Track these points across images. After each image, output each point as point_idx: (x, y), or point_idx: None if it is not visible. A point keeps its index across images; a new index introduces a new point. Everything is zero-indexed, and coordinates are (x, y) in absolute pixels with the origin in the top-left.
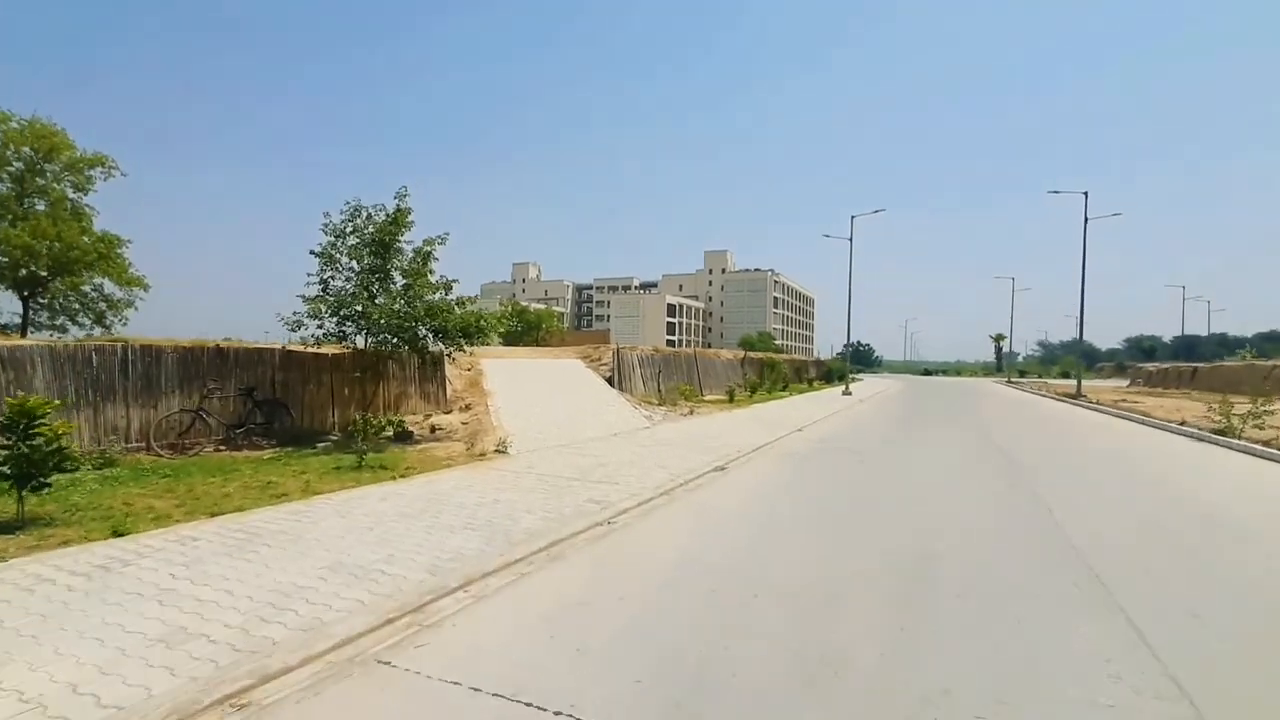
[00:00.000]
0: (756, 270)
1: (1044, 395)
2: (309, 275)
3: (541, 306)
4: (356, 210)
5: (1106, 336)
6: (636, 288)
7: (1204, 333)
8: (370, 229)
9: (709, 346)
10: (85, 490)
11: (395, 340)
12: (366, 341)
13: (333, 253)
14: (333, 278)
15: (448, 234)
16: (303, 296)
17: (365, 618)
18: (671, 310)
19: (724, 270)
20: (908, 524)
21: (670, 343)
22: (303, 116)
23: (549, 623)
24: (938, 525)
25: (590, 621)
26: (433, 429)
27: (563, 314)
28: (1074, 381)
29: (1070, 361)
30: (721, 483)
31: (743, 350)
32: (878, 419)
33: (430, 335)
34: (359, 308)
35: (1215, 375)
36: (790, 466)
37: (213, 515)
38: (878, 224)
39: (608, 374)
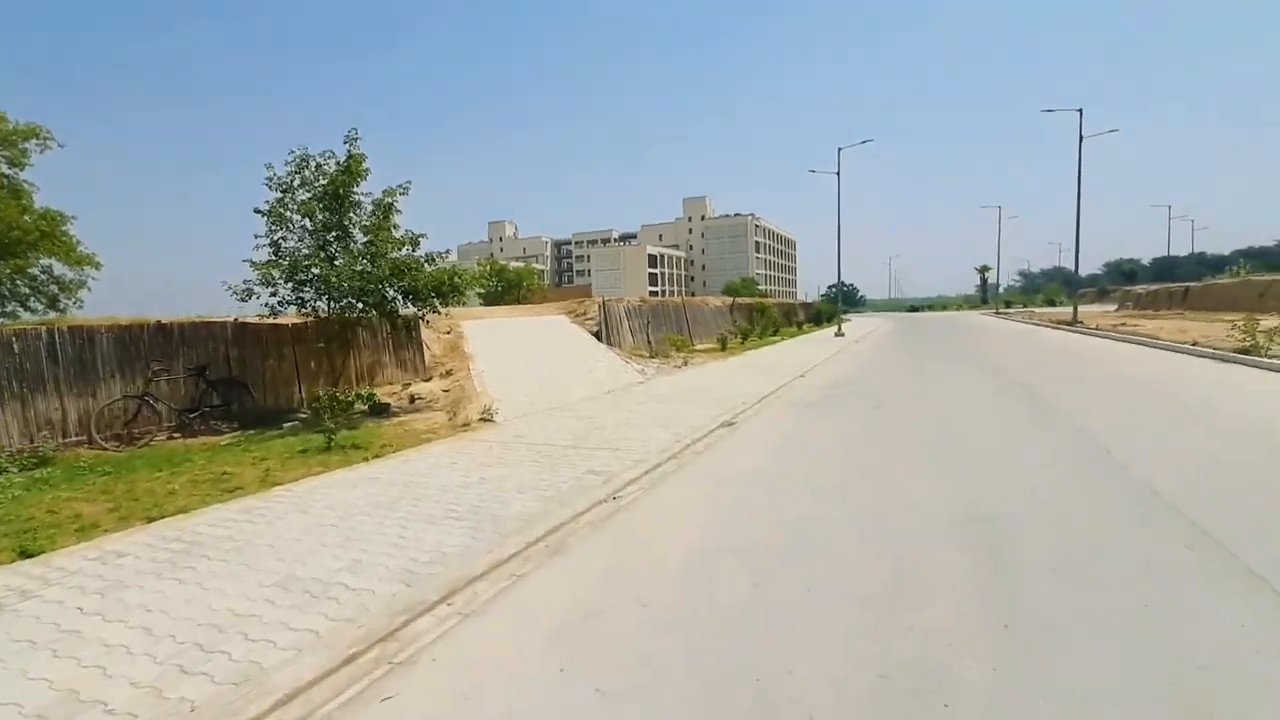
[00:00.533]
0: (737, 215)
1: (1038, 324)
2: (257, 237)
3: (520, 265)
4: (304, 160)
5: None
6: (616, 240)
7: (1183, 253)
8: (322, 181)
9: (692, 295)
10: (6, 498)
11: (361, 305)
12: (330, 308)
13: (282, 210)
14: (284, 239)
15: (409, 183)
16: (251, 262)
17: (319, 657)
18: (653, 261)
19: (704, 217)
20: (958, 482)
21: (653, 293)
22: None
23: (555, 648)
24: (991, 480)
25: (608, 643)
26: (412, 399)
27: (543, 271)
28: (1060, 309)
29: (1054, 289)
30: (732, 441)
31: (730, 297)
32: (880, 360)
33: (400, 297)
34: (316, 270)
35: (1208, 294)
36: (804, 418)
37: (150, 520)
38: (861, 161)
39: (594, 329)
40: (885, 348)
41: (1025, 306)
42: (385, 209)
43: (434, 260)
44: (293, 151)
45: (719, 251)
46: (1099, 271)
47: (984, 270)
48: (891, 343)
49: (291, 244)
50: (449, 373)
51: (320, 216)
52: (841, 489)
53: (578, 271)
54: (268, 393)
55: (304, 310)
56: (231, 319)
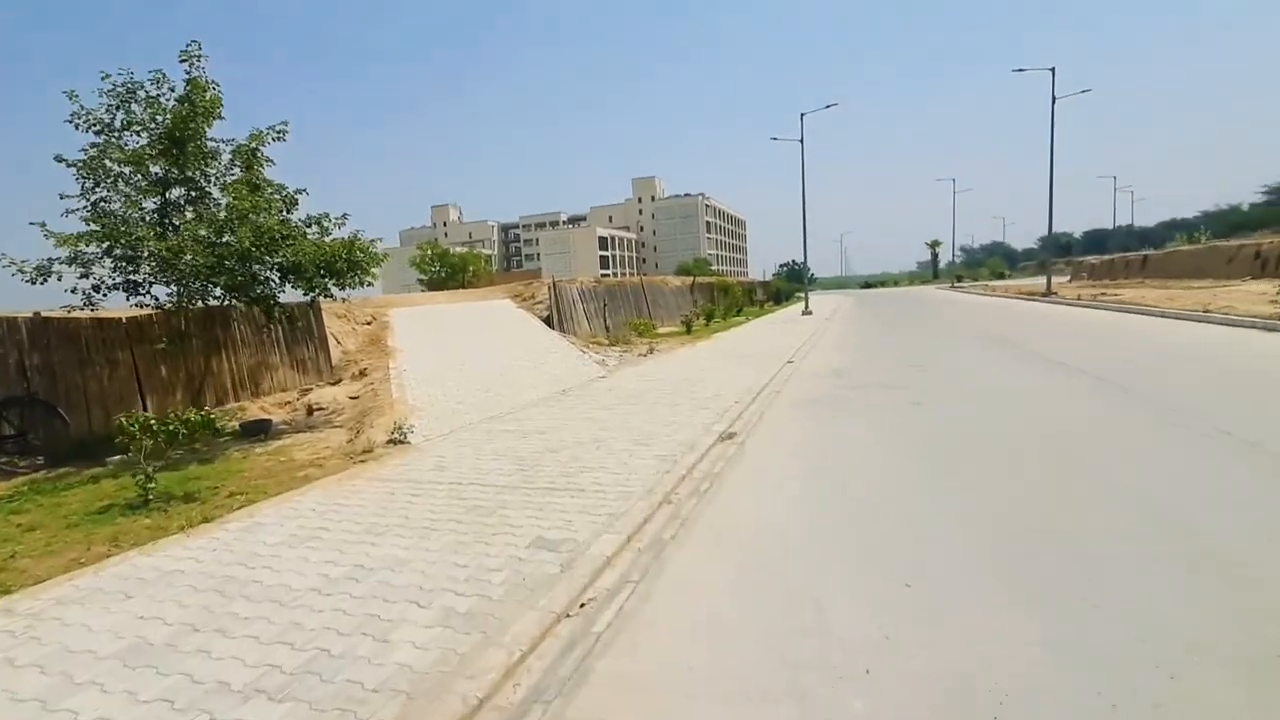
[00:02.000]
0: (687, 195)
1: (1006, 297)
2: (65, 198)
3: (465, 249)
4: (130, 90)
5: (1020, 237)
6: (565, 223)
7: (1108, 226)
8: (162, 119)
9: (647, 276)
10: None
11: (220, 289)
12: (177, 295)
13: (104, 160)
14: (107, 200)
15: (286, 124)
16: (44, 228)
17: None
18: (603, 243)
19: (654, 198)
20: (1110, 519)
21: (606, 276)
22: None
23: None
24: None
25: None
26: (310, 410)
27: (490, 256)
28: (1015, 281)
29: (996, 263)
30: (744, 467)
31: (690, 276)
32: (870, 341)
33: (278, 278)
34: (150, 245)
35: (1171, 262)
36: (826, 424)
37: None
38: (811, 132)
39: (545, 313)
40: (867, 327)
41: (975, 280)
42: (247, 155)
43: (325, 227)
44: (105, 75)
45: (670, 232)
46: (1034, 246)
47: (934, 245)
48: (869, 321)
49: (118, 207)
50: (363, 373)
51: (157, 169)
52: (955, 553)
53: (526, 256)
54: (92, 414)
55: (140, 299)
56: (29, 313)
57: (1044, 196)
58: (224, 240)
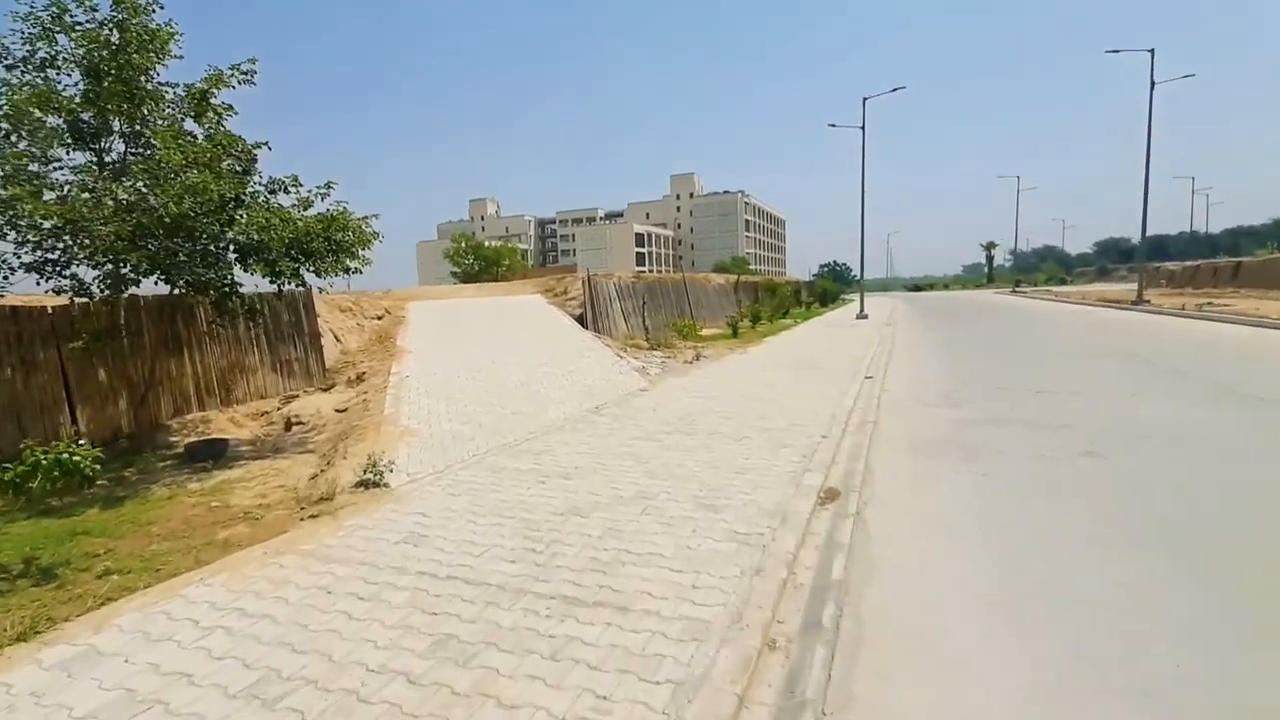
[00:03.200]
0: (726, 193)
1: (1089, 304)
2: None
3: (500, 243)
4: (57, 14)
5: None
6: (602, 219)
7: (1171, 231)
8: (95, 51)
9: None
10: None
11: (140, 268)
12: (104, 279)
13: (13, 98)
14: (17, 153)
15: (254, 61)
16: None
17: None
18: (640, 240)
19: (691, 194)
20: None
21: (642, 273)
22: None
23: None
24: None
25: None
26: (289, 424)
27: (526, 250)
28: (1084, 287)
29: (1052, 268)
30: (886, 578)
31: (734, 275)
32: (956, 351)
33: (237, 260)
34: (27, 204)
35: (1269, 270)
36: (979, 488)
37: None
38: (866, 128)
39: (578, 311)
40: (944, 335)
41: (1035, 285)
42: (198, 99)
43: (299, 193)
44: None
45: (708, 230)
46: (1089, 251)
47: (990, 247)
48: (941, 328)
49: (30, 163)
50: (360, 378)
51: (79, 111)
52: None
53: (562, 251)
54: (2, 430)
55: (61, 283)
56: None
57: (1098, 198)
58: (140, 202)
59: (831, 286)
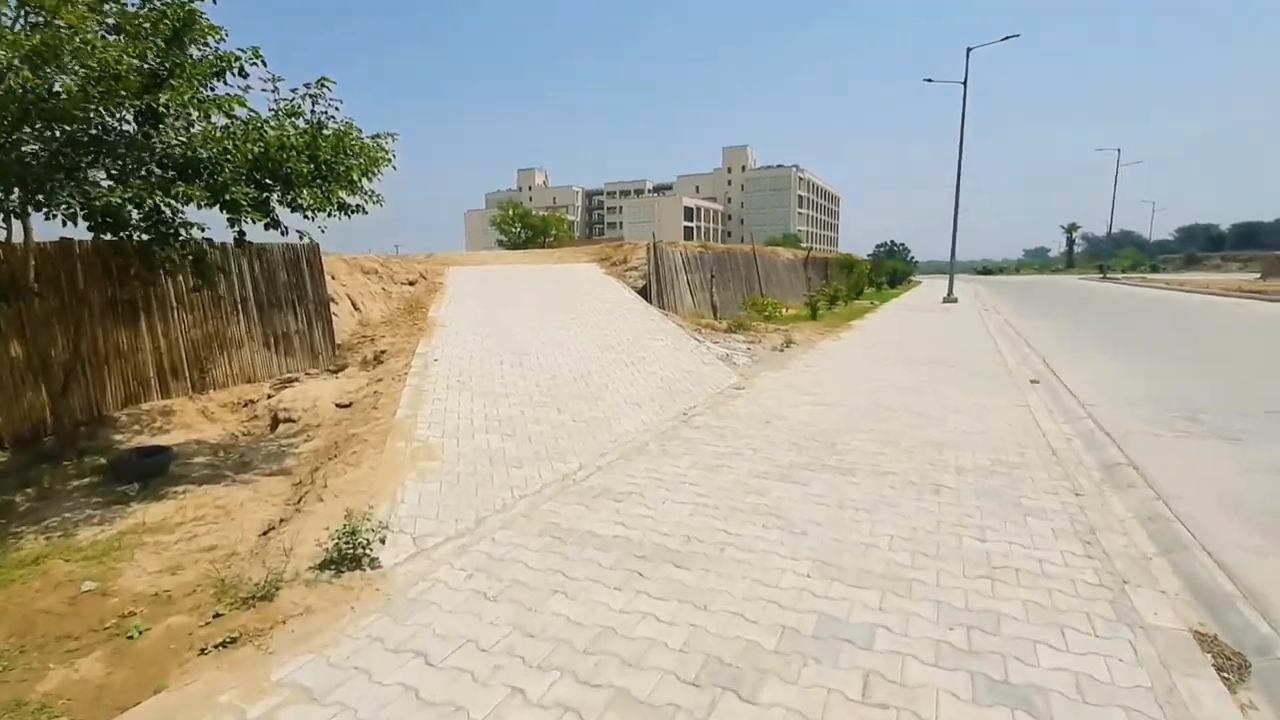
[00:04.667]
0: (779, 167)
1: (1217, 294)
2: None
3: (547, 212)
4: None
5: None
6: (650, 191)
7: (1268, 218)
8: None
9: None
10: None
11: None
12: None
13: None
14: None
15: None
16: None
17: None
18: (689, 214)
19: (744, 168)
20: None
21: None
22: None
23: None
24: None
25: None
26: (275, 420)
27: (572, 221)
28: (1168, 276)
29: (1133, 254)
30: None
31: (804, 250)
32: (1113, 349)
33: (201, 191)
34: None
35: None
36: None
37: None
38: (927, 102)
39: (639, 283)
40: (1070, 327)
41: (1122, 272)
42: None
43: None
44: None
45: (759, 205)
46: (1170, 238)
47: (1072, 229)
48: (1057, 317)
49: None
50: (378, 358)
51: None
52: None
53: (609, 224)
54: None
55: None
56: None
57: (1177, 179)
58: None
59: (902, 266)
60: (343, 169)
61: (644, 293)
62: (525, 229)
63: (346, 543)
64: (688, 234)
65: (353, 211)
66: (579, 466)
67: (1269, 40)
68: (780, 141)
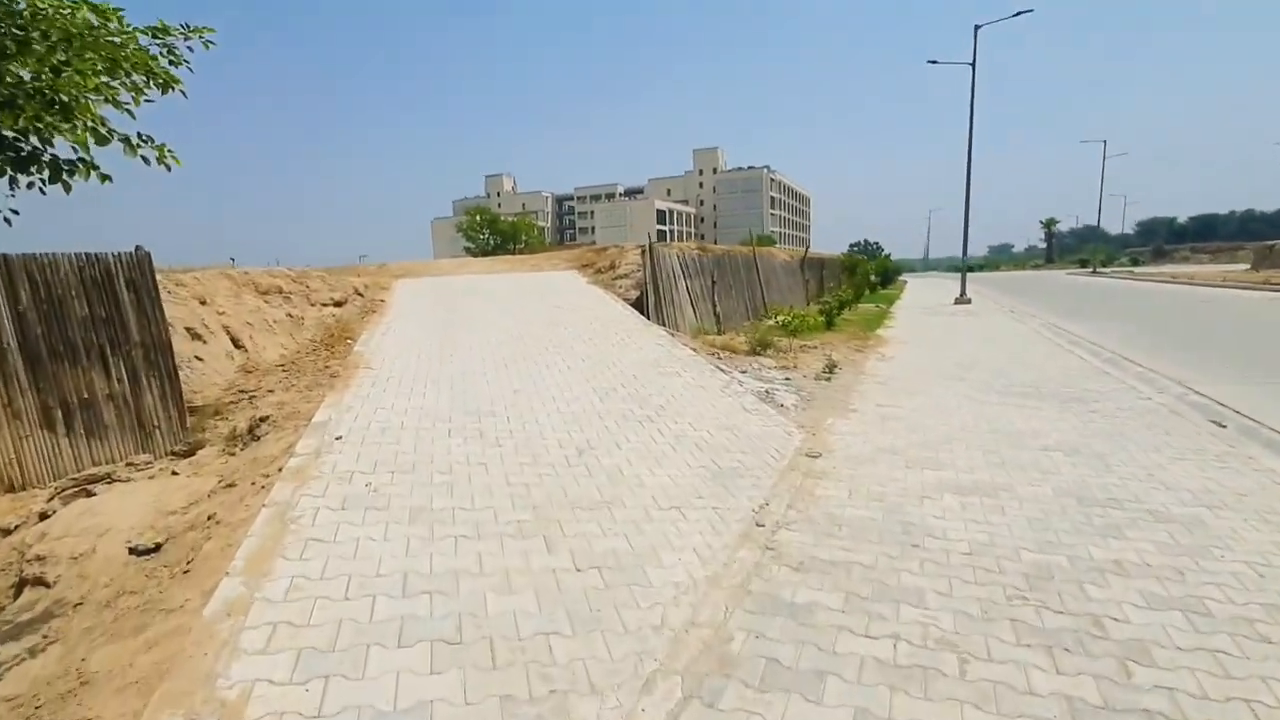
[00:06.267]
0: (750, 168)
1: (1235, 287)
2: None
3: (517, 218)
4: None
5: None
6: (622, 195)
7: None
8: None
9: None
10: None
11: None
12: None
13: None
14: None
15: None
16: None
17: None
18: (662, 217)
19: (715, 170)
20: None
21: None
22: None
23: None
24: None
25: None
26: (22, 582)
27: (544, 228)
28: (1149, 269)
29: (1100, 249)
30: None
31: (791, 250)
32: (1219, 365)
33: None
34: None
35: None
36: None
37: None
38: (904, 99)
39: (632, 294)
40: (1130, 335)
41: (1104, 266)
42: None
43: None
44: None
45: (731, 206)
46: (1130, 232)
47: (1050, 224)
48: (1099, 321)
49: None
50: (255, 429)
51: None
52: None
53: (580, 229)
54: None
55: None
56: None
57: (1130, 171)
58: None
59: (891, 266)
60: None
61: (638, 305)
62: (494, 235)
63: None
64: (661, 238)
65: (87, 171)
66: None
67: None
68: (748, 142)
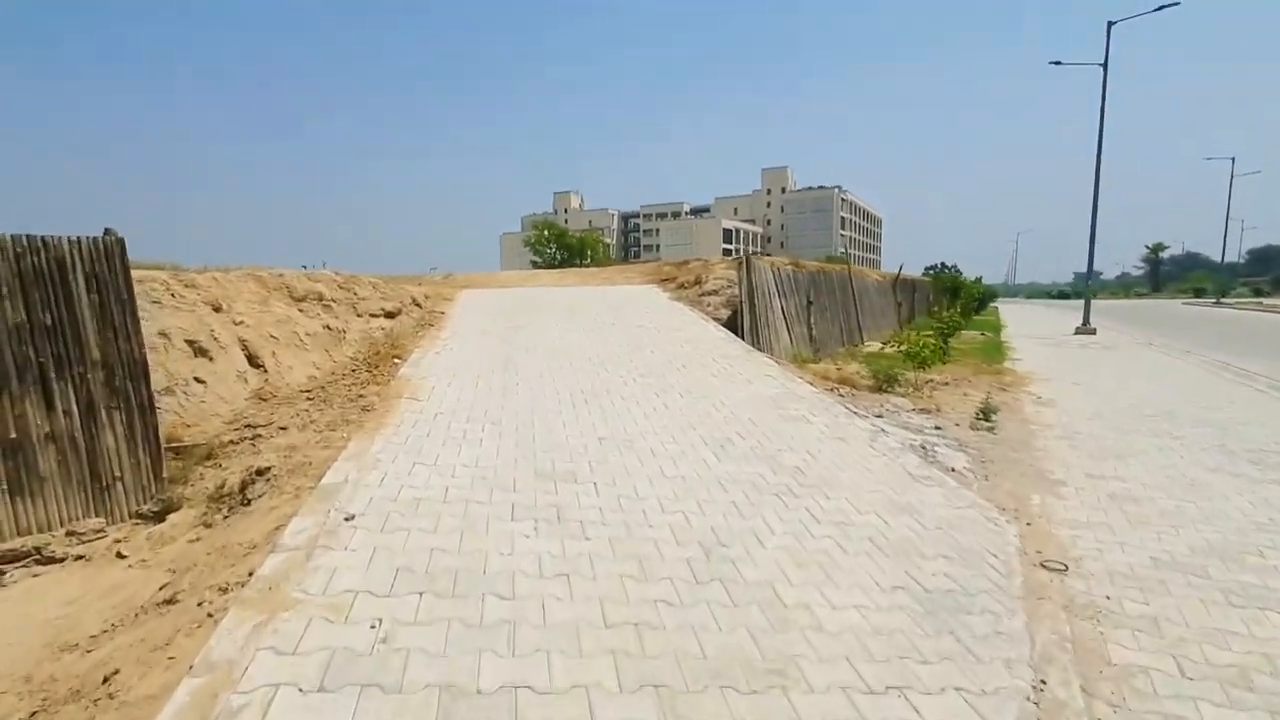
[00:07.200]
0: (821, 188)
1: None
2: None
3: (584, 233)
4: None
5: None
6: (688, 213)
7: None
8: None
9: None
10: None
11: None
12: None
13: None
14: None
15: None
16: None
17: None
18: (728, 236)
19: (784, 189)
20: None
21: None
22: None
23: None
24: None
25: None
26: None
27: (609, 244)
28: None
29: (1203, 277)
30: None
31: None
32: None
33: None
34: None
35: None
36: None
37: None
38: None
39: (723, 312)
40: None
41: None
42: None
43: None
44: None
45: (799, 226)
46: (1238, 260)
47: (1157, 249)
48: None
49: None
50: (247, 485)
51: None
52: None
53: (645, 246)
54: None
55: None
56: None
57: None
58: None
59: (983, 290)
60: None
61: (730, 325)
62: (561, 249)
63: None
64: (725, 255)
65: None
66: None
67: None
68: (818, 162)
